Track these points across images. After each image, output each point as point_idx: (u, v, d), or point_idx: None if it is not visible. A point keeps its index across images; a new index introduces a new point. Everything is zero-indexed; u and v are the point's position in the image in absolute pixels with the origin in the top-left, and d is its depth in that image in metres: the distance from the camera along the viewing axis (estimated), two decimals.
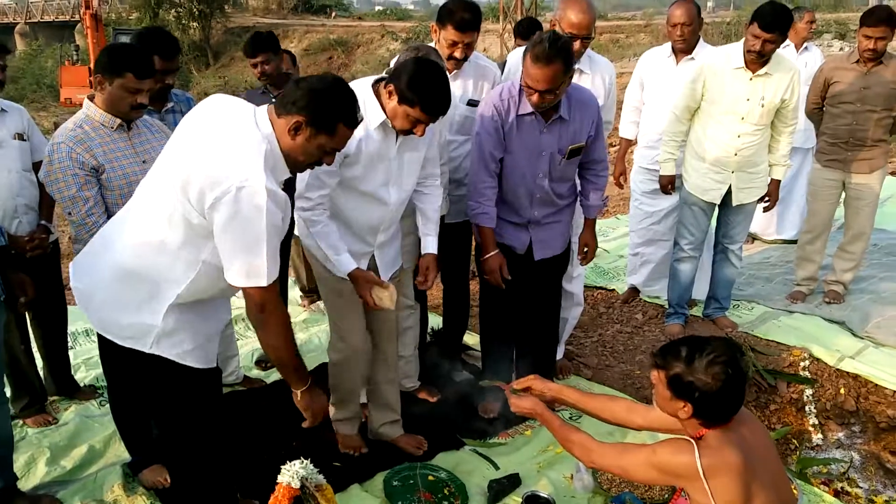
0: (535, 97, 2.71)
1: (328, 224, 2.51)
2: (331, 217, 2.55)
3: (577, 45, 2.83)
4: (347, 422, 2.98)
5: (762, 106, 3.55)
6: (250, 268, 1.91)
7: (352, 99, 2.01)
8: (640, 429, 2.30)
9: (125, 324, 2.09)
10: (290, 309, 4.15)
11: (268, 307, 1.98)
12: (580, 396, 2.37)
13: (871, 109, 3.93)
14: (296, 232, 2.69)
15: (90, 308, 2.16)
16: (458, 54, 3.00)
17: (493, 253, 2.94)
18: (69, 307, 4.44)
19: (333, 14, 38.24)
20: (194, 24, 30.32)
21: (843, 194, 4.20)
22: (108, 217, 2.60)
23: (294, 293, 4.59)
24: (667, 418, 2.00)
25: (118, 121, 2.63)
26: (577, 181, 3.16)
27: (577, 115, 2.88)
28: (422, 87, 2.34)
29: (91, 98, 2.65)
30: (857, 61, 3.94)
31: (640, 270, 4.46)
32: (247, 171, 1.84)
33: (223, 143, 1.91)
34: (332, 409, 2.94)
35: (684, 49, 3.96)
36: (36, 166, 2.99)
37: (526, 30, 4.56)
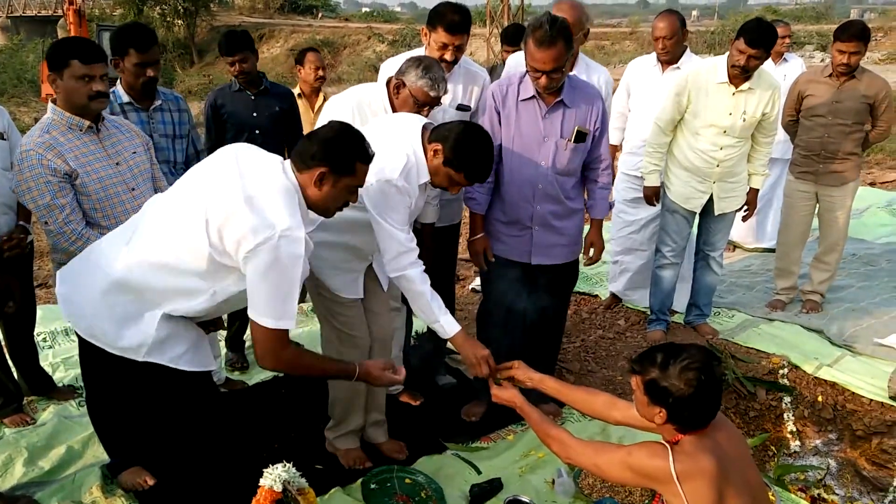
0: (542, 79, 2.75)
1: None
2: (334, 244, 2.58)
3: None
4: (351, 434, 2.93)
5: (744, 120, 3.60)
6: (283, 311, 2.01)
7: (361, 138, 2.12)
8: (619, 424, 2.32)
9: (118, 334, 2.11)
10: None
11: (285, 341, 2.09)
12: (561, 387, 2.41)
13: (843, 123, 3.99)
14: None
15: (77, 315, 2.17)
16: (448, 57, 3.01)
17: (479, 236, 3.01)
18: (48, 307, 4.45)
19: (320, 14, 38.20)
20: (179, 21, 30.16)
21: (817, 205, 4.27)
22: (87, 223, 2.59)
23: None
24: (645, 417, 2.03)
25: (87, 122, 2.60)
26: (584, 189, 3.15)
27: (581, 103, 2.90)
28: (470, 157, 2.43)
29: (54, 101, 2.62)
30: (831, 75, 4.00)
31: (619, 278, 4.50)
32: (288, 220, 1.95)
33: (260, 191, 1.98)
34: (329, 433, 2.94)
35: (668, 60, 4.02)
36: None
37: (512, 36, 4.58)
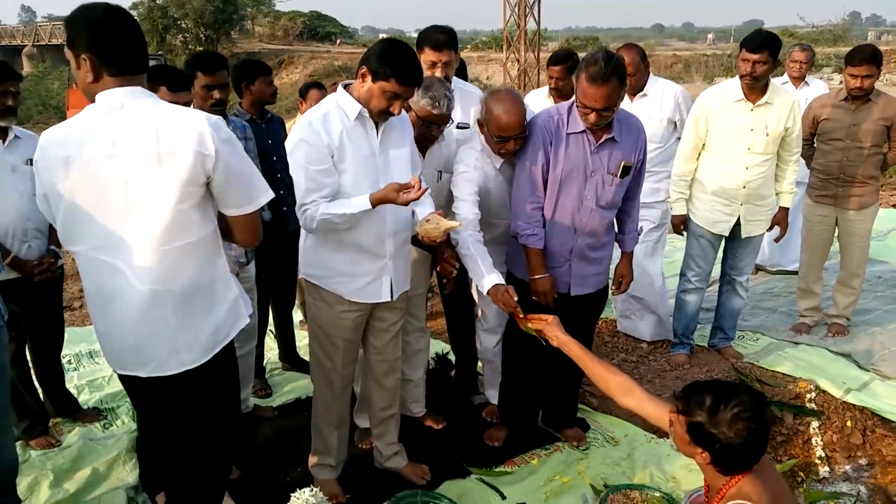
0: (592, 116, 2.70)
1: (327, 204, 2.42)
2: (337, 242, 2.54)
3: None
4: (326, 468, 2.88)
5: (766, 135, 3.59)
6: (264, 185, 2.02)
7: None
8: (627, 409, 2.32)
9: (202, 341, 2.01)
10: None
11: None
12: (584, 355, 2.39)
13: (861, 146, 3.97)
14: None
15: (138, 363, 2.00)
16: (438, 73, 3.08)
17: (544, 275, 2.89)
18: (73, 329, 4.50)
19: (338, 41, 38.74)
20: (200, 48, 30.69)
21: (837, 229, 4.23)
22: None
23: (297, 316, 4.59)
24: (661, 418, 2.03)
25: None
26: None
27: (627, 138, 2.88)
28: (393, 59, 2.35)
29: None
30: (846, 98, 3.99)
31: (618, 306, 4.46)
32: (203, 115, 1.88)
33: (164, 116, 1.86)
34: (309, 459, 2.91)
35: (633, 91, 3.93)
36: None
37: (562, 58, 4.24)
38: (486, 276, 2.75)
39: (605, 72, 2.58)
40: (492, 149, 2.93)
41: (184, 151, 1.81)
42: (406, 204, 2.38)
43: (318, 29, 40.24)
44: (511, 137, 2.84)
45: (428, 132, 2.89)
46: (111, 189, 1.84)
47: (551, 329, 2.45)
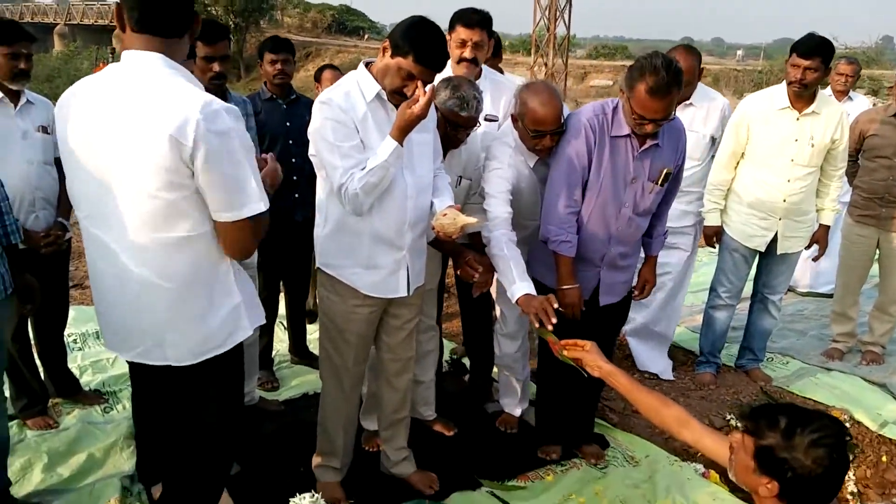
0: (649, 127, 2.50)
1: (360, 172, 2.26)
2: (356, 232, 2.39)
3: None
4: (330, 469, 2.75)
5: (812, 146, 3.41)
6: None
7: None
8: (685, 444, 2.10)
9: (189, 345, 1.90)
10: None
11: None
12: (631, 385, 2.11)
13: None
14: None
15: (124, 346, 1.95)
16: (467, 54, 2.98)
17: (574, 285, 2.68)
18: (81, 307, 4.40)
19: (366, 36, 38.78)
20: (230, 37, 30.86)
21: (878, 251, 4.04)
22: None
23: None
24: (721, 453, 1.79)
25: None
26: None
27: (669, 143, 2.69)
28: (416, 36, 2.18)
29: None
30: (894, 115, 3.81)
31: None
32: (190, 103, 1.69)
33: (160, 94, 1.70)
34: (313, 459, 2.78)
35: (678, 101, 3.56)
36: (58, 161, 2.90)
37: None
38: (517, 283, 2.56)
39: (668, 81, 2.39)
40: (526, 145, 2.77)
41: (159, 135, 1.65)
42: (423, 109, 2.17)
43: (347, 23, 40.32)
44: (547, 132, 2.67)
45: (454, 135, 2.73)
46: (98, 158, 1.74)
47: (592, 358, 2.17)
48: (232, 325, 1.93)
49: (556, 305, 2.44)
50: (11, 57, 2.79)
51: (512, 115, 2.79)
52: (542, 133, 2.68)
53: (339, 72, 4.39)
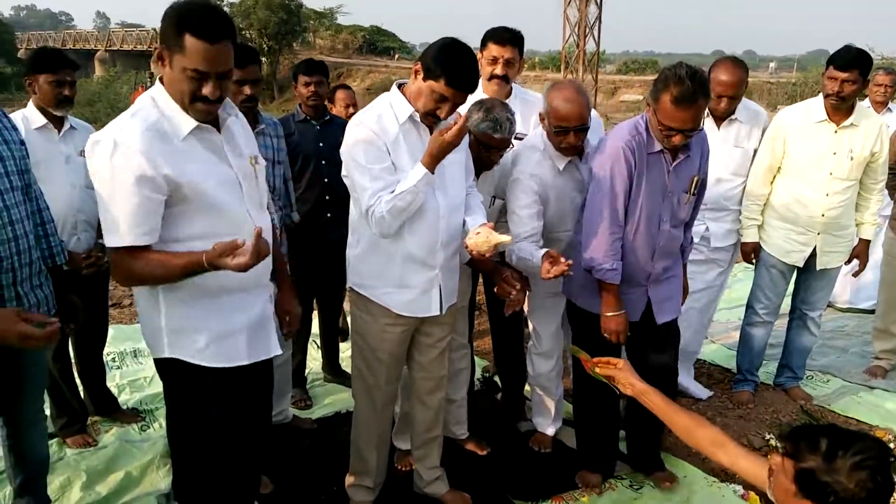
0: (677, 138, 2.48)
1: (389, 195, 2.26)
2: (388, 253, 2.40)
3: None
4: (363, 489, 2.75)
5: (851, 159, 3.34)
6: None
7: (194, 9, 1.79)
8: (721, 466, 2.02)
9: (146, 332, 2.05)
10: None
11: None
12: (666, 405, 2.07)
13: None
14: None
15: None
16: (498, 70, 2.99)
17: (620, 312, 2.65)
18: (120, 326, 4.49)
19: (397, 56, 39.20)
20: (263, 59, 31.42)
21: None
22: None
23: None
24: (758, 475, 1.74)
25: None
26: None
27: (695, 149, 2.67)
28: (448, 59, 2.19)
29: None
30: None
31: None
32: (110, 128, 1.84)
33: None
34: (346, 479, 2.78)
35: (721, 116, 3.43)
36: None
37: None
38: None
39: (694, 90, 2.35)
40: (552, 143, 2.76)
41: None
42: (455, 137, 2.18)
43: (378, 43, 40.85)
44: (571, 129, 2.66)
45: (486, 156, 2.73)
46: None
47: (624, 375, 2.15)
48: (158, 339, 2.00)
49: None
50: (56, 84, 2.88)
51: (540, 114, 2.79)
52: (566, 129, 2.67)
53: (351, 91, 4.47)
